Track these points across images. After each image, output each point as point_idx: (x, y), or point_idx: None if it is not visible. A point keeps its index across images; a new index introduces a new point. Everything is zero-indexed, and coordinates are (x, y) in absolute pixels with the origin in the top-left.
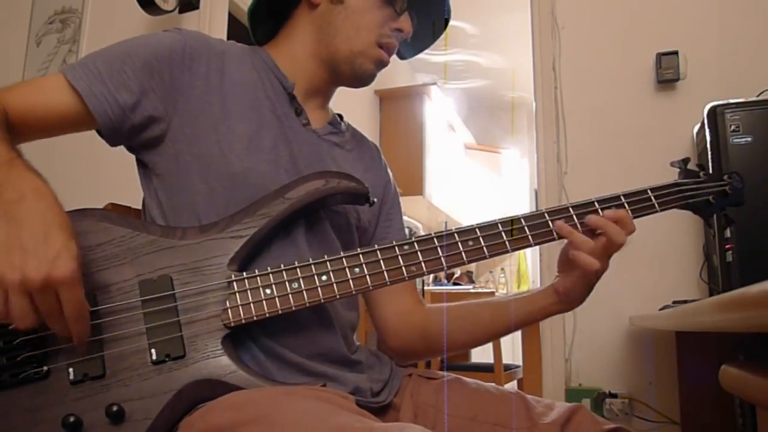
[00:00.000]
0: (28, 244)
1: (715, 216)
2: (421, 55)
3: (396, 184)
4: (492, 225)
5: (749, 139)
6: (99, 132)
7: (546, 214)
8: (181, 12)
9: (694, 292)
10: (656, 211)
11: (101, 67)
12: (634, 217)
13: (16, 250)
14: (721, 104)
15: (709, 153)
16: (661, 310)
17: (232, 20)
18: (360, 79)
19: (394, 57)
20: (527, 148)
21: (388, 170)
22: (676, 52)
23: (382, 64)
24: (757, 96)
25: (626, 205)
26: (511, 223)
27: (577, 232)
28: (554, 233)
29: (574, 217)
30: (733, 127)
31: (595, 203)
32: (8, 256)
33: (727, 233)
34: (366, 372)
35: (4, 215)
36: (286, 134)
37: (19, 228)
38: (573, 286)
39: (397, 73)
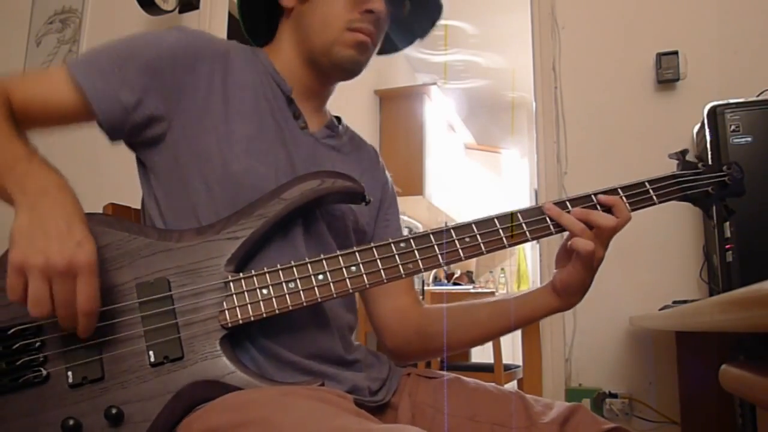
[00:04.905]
0: (51, 231)
1: (714, 207)
2: (421, 55)
3: (394, 186)
4: (489, 221)
5: (749, 139)
6: (99, 124)
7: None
8: (181, 12)
9: (694, 292)
10: (654, 204)
11: (105, 64)
12: (633, 210)
13: (40, 237)
14: (721, 104)
15: (709, 153)
16: (661, 310)
17: (232, 20)
18: (342, 68)
19: (395, 56)
20: (527, 148)
21: (386, 172)
22: (676, 52)
23: (361, 46)
24: (757, 96)
25: (624, 198)
26: (508, 218)
27: (566, 214)
28: (551, 228)
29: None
30: (733, 127)
31: (593, 197)
32: (32, 241)
33: (727, 233)
34: (364, 371)
35: (28, 207)
36: (284, 138)
37: (43, 218)
38: (569, 278)
39: (397, 73)
